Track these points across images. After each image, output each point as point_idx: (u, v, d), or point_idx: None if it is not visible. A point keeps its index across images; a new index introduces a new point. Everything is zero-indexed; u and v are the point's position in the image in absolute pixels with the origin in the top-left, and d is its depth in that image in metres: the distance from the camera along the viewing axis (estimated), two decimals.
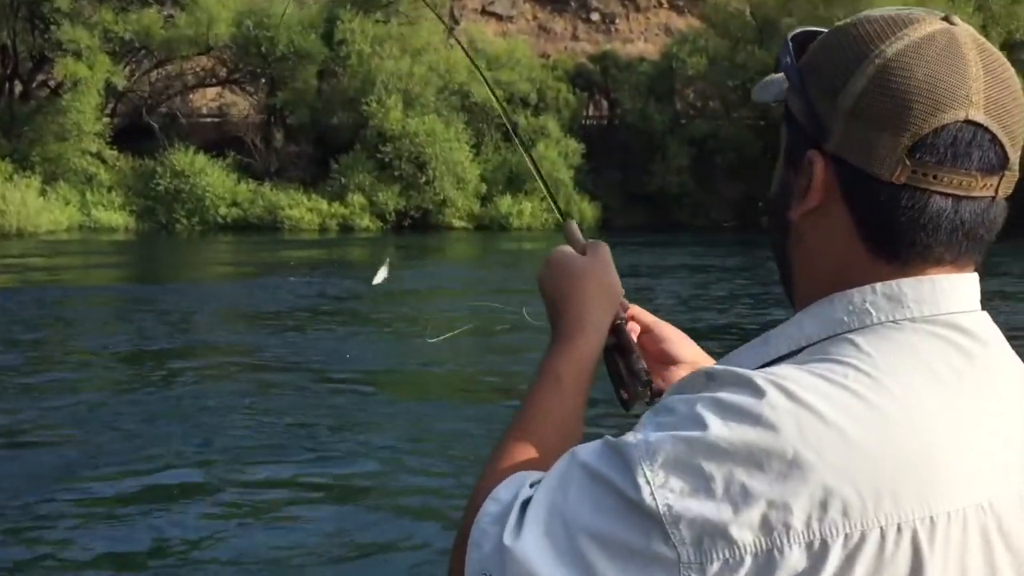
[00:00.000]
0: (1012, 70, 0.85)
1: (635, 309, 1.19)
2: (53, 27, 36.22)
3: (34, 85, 39.38)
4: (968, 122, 0.81)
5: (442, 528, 5.40)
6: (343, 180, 36.43)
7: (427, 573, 4.91)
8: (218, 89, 44.69)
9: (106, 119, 36.34)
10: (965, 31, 0.85)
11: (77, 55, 34.99)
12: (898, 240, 0.85)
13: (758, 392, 0.78)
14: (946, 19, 0.85)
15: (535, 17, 65.34)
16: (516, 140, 1.35)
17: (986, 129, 0.82)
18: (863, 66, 0.84)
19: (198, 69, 42.03)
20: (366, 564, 5.04)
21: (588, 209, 37.70)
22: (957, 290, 0.86)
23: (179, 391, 8.68)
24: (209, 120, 44.35)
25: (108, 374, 9.93)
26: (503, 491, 0.90)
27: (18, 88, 38.72)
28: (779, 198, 0.97)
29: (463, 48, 1.49)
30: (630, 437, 0.82)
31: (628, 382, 1.12)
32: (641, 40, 62.68)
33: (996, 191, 0.84)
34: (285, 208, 35.59)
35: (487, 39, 45.11)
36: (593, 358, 1.06)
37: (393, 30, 39.16)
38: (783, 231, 0.96)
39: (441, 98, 37.77)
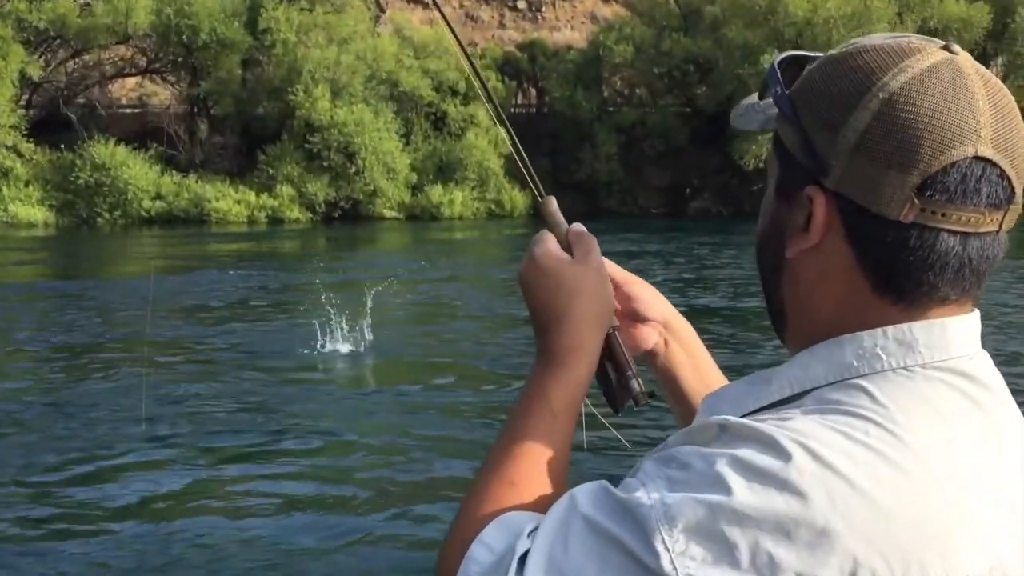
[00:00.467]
0: (1013, 99, 0.83)
1: (607, 264, 1.11)
2: None
3: None
4: (977, 158, 0.79)
5: (393, 516, 5.46)
6: (271, 171, 35.95)
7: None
8: (138, 79, 43.59)
9: (21, 111, 35.23)
10: (967, 61, 0.82)
11: None
12: (905, 280, 0.82)
13: (783, 454, 0.75)
14: (946, 48, 0.82)
15: (462, 5, 65.10)
16: (491, 108, 1.28)
17: (995, 164, 0.80)
18: (865, 100, 0.81)
19: (117, 59, 40.96)
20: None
21: (518, 197, 37.89)
22: (963, 332, 0.84)
23: (102, 386, 8.53)
24: (130, 111, 43.25)
25: (28, 373, 9.70)
26: (495, 538, 0.85)
27: None
28: (770, 234, 0.91)
29: (447, 22, 1.36)
30: (641, 495, 0.77)
31: (619, 394, 1.06)
32: (568, 28, 62.95)
33: (1000, 225, 0.82)
34: (211, 200, 34.96)
35: (414, 27, 44.85)
36: (587, 383, 1.00)
37: (319, 18, 38.68)
38: (776, 268, 0.91)
39: (369, 87, 37.47)
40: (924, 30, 40.52)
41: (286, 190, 35.33)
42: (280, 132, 36.77)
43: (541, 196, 1.21)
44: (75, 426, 7.30)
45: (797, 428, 0.77)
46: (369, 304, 10.53)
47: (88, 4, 37.32)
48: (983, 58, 43.60)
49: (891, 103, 0.80)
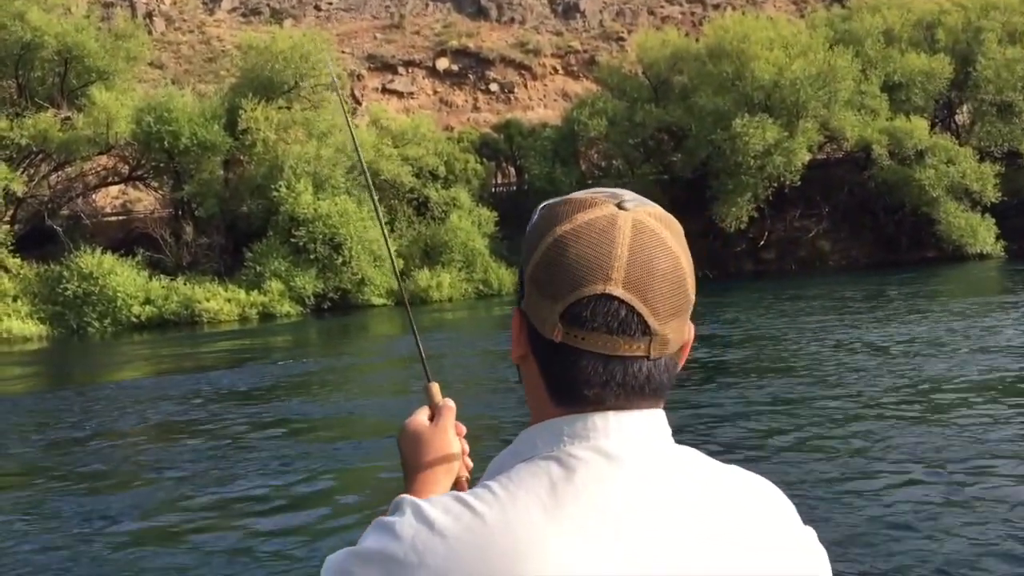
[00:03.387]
0: (670, 253, 0.99)
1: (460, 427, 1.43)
2: None
3: None
4: (604, 295, 0.96)
5: None
6: (258, 268, 36.09)
7: None
8: (122, 187, 44.04)
9: (6, 226, 35.44)
10: (630, 217, 0.99)
11: None
12: (564, 388, 1.01)
13: (402, 512, 0.98)
14: (619, 205, 1.00)
15: (435, 92, 66.41)
16: (372, 202, 1.57)
17: (623, 301, 0.96)
18: (543, 241, 1.01)
19: (99, 168, 41.39)
20: None
21: (506, 276, 38.02)
22: (612, 425, 1.00)
23: (99, 502, 8.46)
24: (114, 218, 43.58)
25: (25, 485, 9.61)
26: None
27: None
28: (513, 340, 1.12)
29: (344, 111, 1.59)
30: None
31: None
32: (541, 106, 64.17)
33: (649, 351, 0.98)
34: (201, 301, 34.99)
35: (390, 116, 45.64)
36: None
37: (296, 115, 39.31)
38: (518, 367, 1.11)
39: (350, 178, 37.92)
40: (888, 85, 41.53)
41: (275, 285, 35.42)
42: (265, 228, 37.03)
43: (428, 379, 1.49)
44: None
45: (430, 498, 1.00)
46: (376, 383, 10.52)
47: (68, 118, 37.86)
48: (948, 107, 44.70)
49: (554, 245, 1.00)
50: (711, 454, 1.06)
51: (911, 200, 39.52)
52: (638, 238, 0.98)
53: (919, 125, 39.60)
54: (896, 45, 42.70)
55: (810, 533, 1.04)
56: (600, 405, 1.00)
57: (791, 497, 1.08)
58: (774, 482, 1.06)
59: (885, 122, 40.18)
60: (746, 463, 1.07)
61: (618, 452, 0.99)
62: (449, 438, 1.37)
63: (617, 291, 0.97)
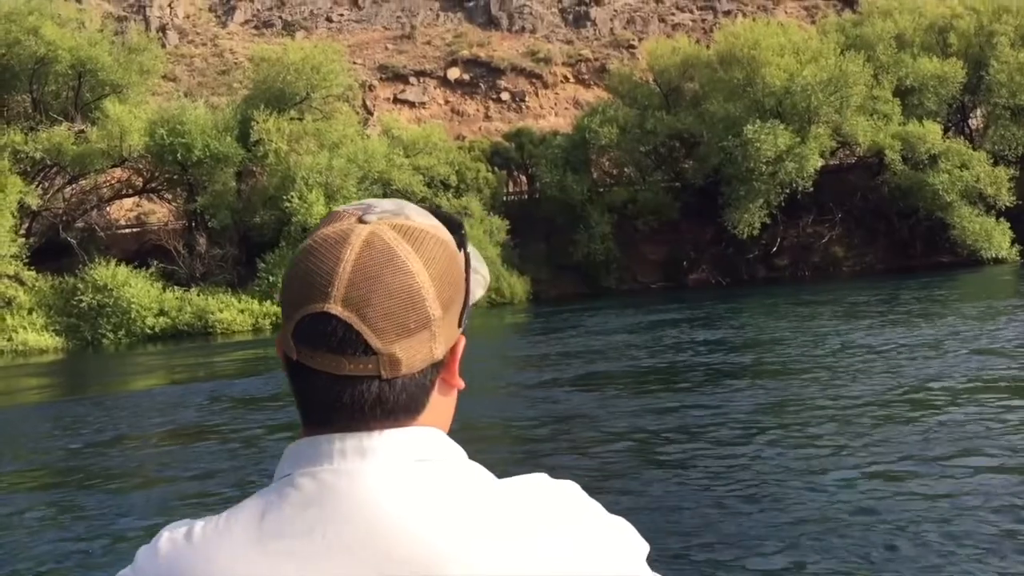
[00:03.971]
0: (403, 269, 0.95)
1: None
2: None
3: None
4: (323, 313, 0.93)
5: None
6: (271, 278, 36.22)
7: None
8: (135, 199, 44.32)
9: (21, 240, 35.67)
10: (365, 231, 0.96)
11: None
12: (302, 408, 1.00)
13: (153, 540, 1.00)
14: (360, 218, 0.97)
15: (447, 101, 66.58)
16: None
17: (340, 319, 0.93)
18: (294, 256, 1.00)
19: (113, 181, 41.69)
20: None
21: (518, 284, 38.03)
22: (336, 448, 0.97)
23: (120, 506, 8.48)
24: (128, 231, 43.84)
25: (40, 496, 9.65)
26: None
27: None
28: None
29: None
30: None
31: None
32: (552, 115, 64.25)
33: (379, 371, 0.94)
34: (215, 312, 35.15)
35: (402, 127, 45.78)
36: None
37: (308, 126, 39.49)
38: None
39: (362, 187, 38.04)
40: (900, 89, 41.40)
41: None
42: (278, 239, 37.19)
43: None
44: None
45: (182, 523, 1.01)
46: None
47: (83, 131, 38.15)
48: (962, 111, 44.53)
49: (293, 261, 0.99)
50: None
51: (925, 205, 39.35)
52: (366, 253, 0.95)
53: (932, 129, 39.44)
54: (908, 50, 42.56)
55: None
56: (328, 427, 0.97)
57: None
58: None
59: (898, 127, 40.03)
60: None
61: (332, 478, 0.95)
62: None
63: (335, 309, 0.93)
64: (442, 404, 1.04)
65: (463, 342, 1.05)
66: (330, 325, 0.93)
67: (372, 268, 0.94)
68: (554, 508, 0.97)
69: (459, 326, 1.03)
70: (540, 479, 1.00)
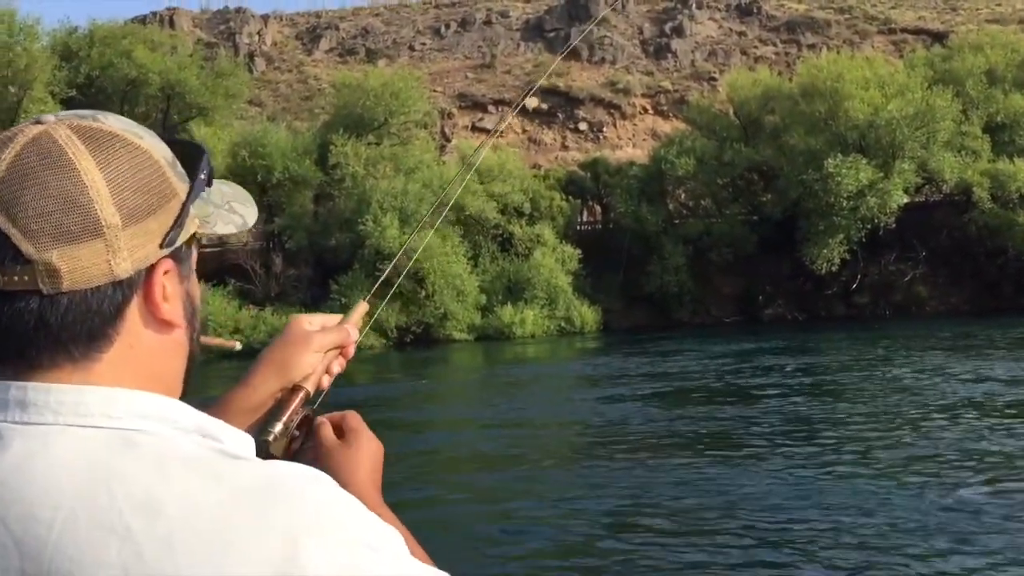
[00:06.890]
0: (70, 169, 0.82)
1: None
2: None
3: None
4: None
5: None
6: (343, 300, 36.56)
7: None
8: None
9: None
10: (34, 131, 0.84)
11: None
12: None
13: None
14: (38, 120, 0.85)
15: (524, 130, 66.94)
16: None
17: None
18: None
19: None
20: None
21: (588, 313, 37.73)
22: None
23: None
24: (210, 250, 44.85)
25: None
26: None
27: None
28: None
29: None
30: None
31: (277, 432, 1.18)
32: (629, 146, 64.10)
33: (38, 284, 0.80)
34: None
35: (479, 154, 46.03)
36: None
37: (385, 151, 40.01)
38: None
39: (436, 213, 38.27)
40: (991, 126, 40.15)
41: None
42: (352, 261, 37.61)
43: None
44: None
45: None
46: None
47: None
48: None
49: None
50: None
51: (1015, 244, 37.97)
52: (28, 150, 0.82)
53: (1023, 168, 38.14)
54: (999, 85, 41.32)
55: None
56: (29, 364, 0.83)
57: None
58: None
59: (987, 164, 38.81)
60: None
61: None
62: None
63: None
64: (154, 343, 0.89)
65: (174, 268, 0.90)
66: None
67: (30, 166, 0.82)
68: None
69: (162, 246, 0.87)
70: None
